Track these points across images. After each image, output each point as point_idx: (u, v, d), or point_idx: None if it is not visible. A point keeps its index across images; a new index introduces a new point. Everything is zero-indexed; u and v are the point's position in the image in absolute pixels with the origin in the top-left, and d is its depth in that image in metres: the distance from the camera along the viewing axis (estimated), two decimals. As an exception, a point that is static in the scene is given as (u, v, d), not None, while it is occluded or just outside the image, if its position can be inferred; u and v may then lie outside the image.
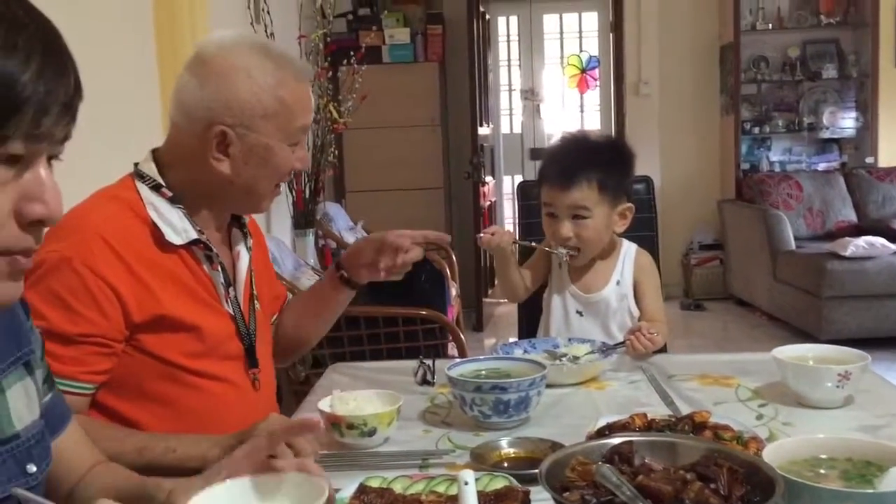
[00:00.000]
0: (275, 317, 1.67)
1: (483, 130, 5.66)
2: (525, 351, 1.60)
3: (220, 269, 1.42)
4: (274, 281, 1.69)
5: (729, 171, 6.05)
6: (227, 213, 1.48)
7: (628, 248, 1.87)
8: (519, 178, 6.60)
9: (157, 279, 1.32)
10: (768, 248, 5.25)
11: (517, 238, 1.81)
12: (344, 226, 4.69)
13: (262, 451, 0.97)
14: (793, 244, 5.18)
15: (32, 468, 0.87)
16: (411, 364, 1.61)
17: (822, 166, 6.07)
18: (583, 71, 6.47)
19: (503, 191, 6.49)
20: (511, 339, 1.65)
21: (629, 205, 1.82)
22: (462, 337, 2.98)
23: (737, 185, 5.92)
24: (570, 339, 1.65)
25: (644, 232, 2.01)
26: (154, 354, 1.33)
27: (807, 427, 1.30)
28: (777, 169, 6.06)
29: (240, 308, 1.45)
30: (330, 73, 3.92)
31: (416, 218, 5.54)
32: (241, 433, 1.18)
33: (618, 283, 1.82)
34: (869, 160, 5.96)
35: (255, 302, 1.53)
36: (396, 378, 1.59)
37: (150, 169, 1.39)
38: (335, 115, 3.52)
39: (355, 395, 1.32)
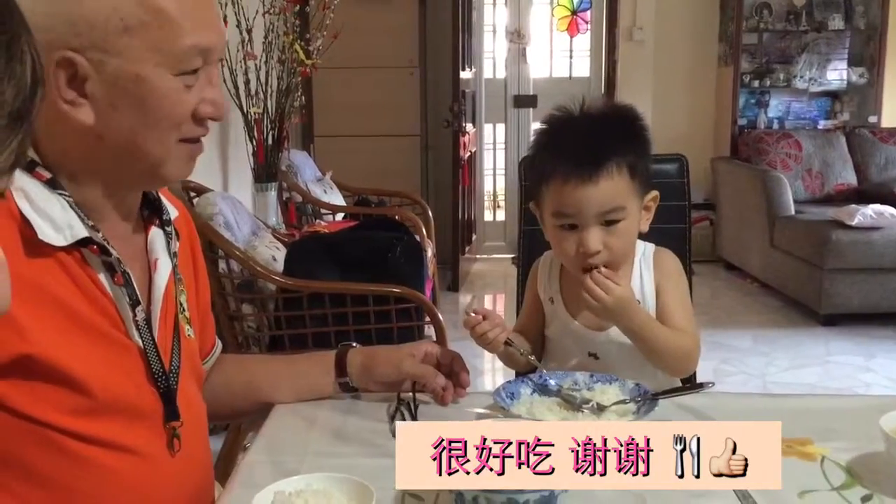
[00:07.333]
0: (206, 360, 1.27)
1: (465, 75, 5.22)
2: (533, 391, 1.21)
3: (124, 280, 1.01)
4: (206, 311, 1.27)
5: (724, 126, 5.69)
6: (125, 193, 1.04)
7: (645, 251, 1.38)
8: (501, 128, 6.16)
9: (23, 301, 0.89)
10: (766, 213, 4.92)
11: (510, 339, 1.26)
12: (311, 177, 4.26)
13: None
14: (792, 209, 4.85)
15: None
16: (385, 402, 1.23)
17: (822, 124, 5.73)
18: (573, 13, 6.01)
19: (484, 140, 6.06)
20: (508, 380, 1.24)
21: (654, 193, 1.34)
22: (441, 318, 2.61)
23: (732, 141, 5.58)
24: (591, 376, 1.23)
25: (674, 223, 1.61)
26: (18, 412, 0.92)
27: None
28: (775, 126, 5.71)
29: (153, 339, 1.04)
30: (297, 8, 3.45)
31: (390, 168, 5.16)
32: None
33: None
34: (872, 119, 5.63)
35: (187, 326, 1.13)
36: (367, 424, 1.21)
37: None
38: (302, 56, 3.07)
39: (305, 481, 0.92)
